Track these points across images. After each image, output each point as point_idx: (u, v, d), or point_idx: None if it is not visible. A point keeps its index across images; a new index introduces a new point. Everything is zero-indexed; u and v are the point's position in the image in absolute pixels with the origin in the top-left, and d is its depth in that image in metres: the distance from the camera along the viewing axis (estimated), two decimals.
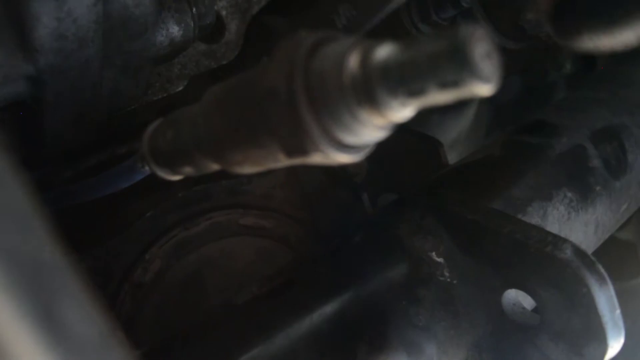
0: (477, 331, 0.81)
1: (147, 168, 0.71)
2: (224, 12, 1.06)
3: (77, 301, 0.29)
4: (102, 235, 0.99)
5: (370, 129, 0.45)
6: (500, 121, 1.60)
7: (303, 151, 0.47)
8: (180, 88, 1.04)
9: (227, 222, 1.07)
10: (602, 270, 0.70)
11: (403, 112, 0.43)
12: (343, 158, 0.47)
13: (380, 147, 1.06)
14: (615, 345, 0.71)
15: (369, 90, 0.42)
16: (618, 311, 0.70)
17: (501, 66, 0.39)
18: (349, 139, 0.46)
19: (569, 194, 0.95)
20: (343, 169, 1.08)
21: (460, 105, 1.37)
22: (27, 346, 0.28)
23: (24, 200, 0.30)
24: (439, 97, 0.40)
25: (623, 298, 1.69)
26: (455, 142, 1.40)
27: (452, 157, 1.07)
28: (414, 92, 0.40)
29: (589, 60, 1.58)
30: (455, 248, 0.81)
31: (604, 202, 0.99)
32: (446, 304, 0.81)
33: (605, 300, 0.70)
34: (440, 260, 0.82)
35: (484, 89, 0.38)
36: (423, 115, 1.38)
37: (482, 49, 0.38)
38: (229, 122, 0.54)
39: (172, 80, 1.03)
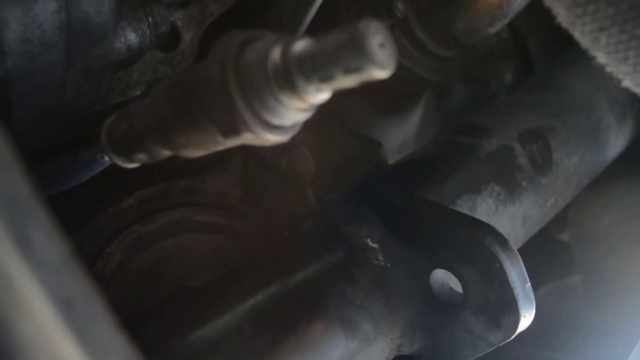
0: (410, 310, 0.89)
1: (106, 159, 0.78)
2: (179, 23, 1.14)
3: (44, 226, 0.37)
4: (65, 230, 1.04)
5: (292, 111, 0.52)
6: (447, 129, 1.68)
7: (236, 131, 0.54)
8: (138, 93, 1.11)
9: (183, 219, 1.13)
10: (513, 247, 0.78)
11: (319, 95, 0.50)
12: (272, 137, 0.54)
13: (328, 150, 1.14)
14: (527, 315, 0.79)
15: (288, 78, 0.50)
16: (528, 284, 0.79)
17: (396, 54, 0.47)
18: (275, 120, 0.53)
19: (497, 188, 1.03)
20: (293, 170, 1.15)
21: (404, 113, 1.45)
22: None
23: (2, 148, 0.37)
24: (345, 81, 0.48)
25: (560, 296, 1.78)
26: (402, 147, 1.48)
27: None
28: (324, 78, 0.48)
29: (529, 69, 1.68)
30: (388, 234, 0.89)
31: (530, 197, 1.08)
32: (381, 285, 0.89)
33: (517, 274, 0.78)
34: (374, 245, 0.90)
35: (381, 74, 0.46)
36: (370, 122, 1.45)
37: (378, 39, 0.45)
38: (173, 110, 0.61)
39: (131, 85, 1.10)
